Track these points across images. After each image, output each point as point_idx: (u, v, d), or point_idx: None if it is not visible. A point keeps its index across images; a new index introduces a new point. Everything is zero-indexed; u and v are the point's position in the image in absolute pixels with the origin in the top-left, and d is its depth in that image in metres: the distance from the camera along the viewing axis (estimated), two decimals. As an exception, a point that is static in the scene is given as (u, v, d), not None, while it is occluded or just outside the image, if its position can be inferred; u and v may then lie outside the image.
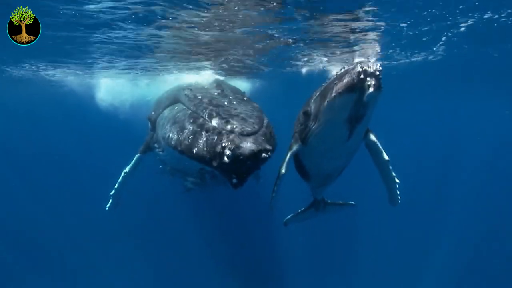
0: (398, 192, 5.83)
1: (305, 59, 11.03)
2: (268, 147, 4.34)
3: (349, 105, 4.25)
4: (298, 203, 7.42)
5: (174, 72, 12.20)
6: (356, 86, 4.03)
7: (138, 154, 8.23)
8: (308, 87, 5.70)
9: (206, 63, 10.82)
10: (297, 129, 5.38)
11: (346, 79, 4.12)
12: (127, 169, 8.30)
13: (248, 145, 4.19)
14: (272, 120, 5.34)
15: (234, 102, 5.40)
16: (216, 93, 5.87)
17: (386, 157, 5.44)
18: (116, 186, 8.38)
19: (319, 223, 8.39)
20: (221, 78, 12.15)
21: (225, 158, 4.20)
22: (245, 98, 6.05)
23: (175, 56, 9.95)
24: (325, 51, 9.87)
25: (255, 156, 4.21)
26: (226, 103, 5.30)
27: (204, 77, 11.74)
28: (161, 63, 10.96)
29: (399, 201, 5.95)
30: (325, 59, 10.84)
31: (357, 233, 15.47)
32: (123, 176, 8.33)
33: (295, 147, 5.32)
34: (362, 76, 3.97)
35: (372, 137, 5.37)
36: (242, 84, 13.90)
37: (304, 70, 12.49)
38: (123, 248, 14.46)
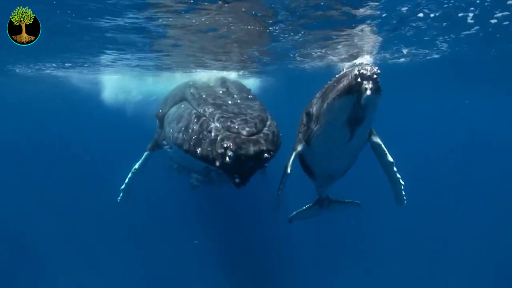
0: (403, 193, 5.76)
1: (306, 57, 10.75)
2: (270, 147, 4.29)
3: (347, 108, 4.21)
4: (304, 201, 7.30)
5: (179, 69, 12.12)
6: (354, 89, 4.01)
7: (147, 152, 8.21)
8: (313, 83, 5.57)
9: (211, 62, 10.69)
10: (300, 129, 5.33)
11: (343, 82, 4.10)
12: (136, 165, 8.33)
13: (249, 146, 4.16)
14: (278, 116, 5.28)
15: (238, 101, 5.34)
16: (220, 91, 5.80)
17: (390, 159, 5.39)
18: (126, 181, 8.43)
19: (325, 221, 8.23)
20: (228, 74, 12.01)
21: (227, 159, 4.16)
22: (249, 96, 5.95)
23: (179, 54, 9.85)
24: (324, 45, 9.54)
25: (256, 156, 4.18)
26: (229, 102, 5.24)
27: (209, 74, 11.63)
28: (166, 60, 10.86)
29: (405, 202, 5.87)
30: (329, 56, 10.58)
31: (365, 233, 15.17)
32: (132, 173, 8.37)
33: (299, 148, 5.29)
34: (359, 79, 3.93)
35: (376, 139, 5.32)
36: (249, 81, 13.72)
37: (307, 66, 12.21)
38: (129, 245, 14.40)
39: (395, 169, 5.48)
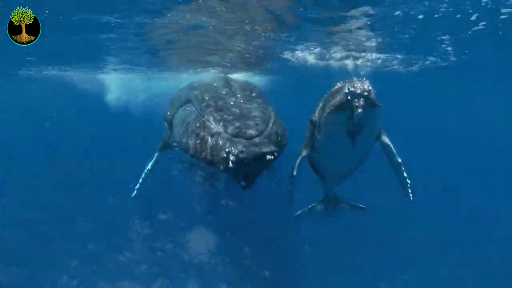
0: (410, 191, 5.68)
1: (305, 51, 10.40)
2: (272, 148, 4.14)
3: (343, 122, 4.14)
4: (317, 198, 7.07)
5: (182, 70, 11.97)
6: (345, 106, 3.94)
7: (157, 153, 8.11)
8: (318, 80, 5.41)
9: (213, 60, 10.43)
10: (307, 134, 5.27)
11: (336, 98, 4.00)
12: (148, 166, 8.26)
13: (251, 149, 4.03)
14: (286, 113, 5.18)
15: (241, 101, 5.19)
16: (223, 92, 5.65)
17: (398, 159, 5.29)
18: (140, 181, 8.37)
19: (331, 221, 7.94)
20: (232, 74, 11.76)
21: (230, 164, 4.05)
22: (253, 95, 5.78)
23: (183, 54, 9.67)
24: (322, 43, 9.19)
25: (259, 159, 4.05)
26: (232, 103, 5.10)
27: (212, 74, 11.41)
28: (168, 62, 10.69)
29: (411, 198, 5.75)
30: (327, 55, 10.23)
31: (376, 233, 14.59)
32: (145, 173, 8.31)
33: (304, 152, 5.26)
34: (349, 97, 3.84)
35: (385, 139, 5.21)
36: (254, 80, 13.43)
37: (307, 63, 11.81)
38: (134, 245, 14.08)
39: (402, 168, 5.41)
